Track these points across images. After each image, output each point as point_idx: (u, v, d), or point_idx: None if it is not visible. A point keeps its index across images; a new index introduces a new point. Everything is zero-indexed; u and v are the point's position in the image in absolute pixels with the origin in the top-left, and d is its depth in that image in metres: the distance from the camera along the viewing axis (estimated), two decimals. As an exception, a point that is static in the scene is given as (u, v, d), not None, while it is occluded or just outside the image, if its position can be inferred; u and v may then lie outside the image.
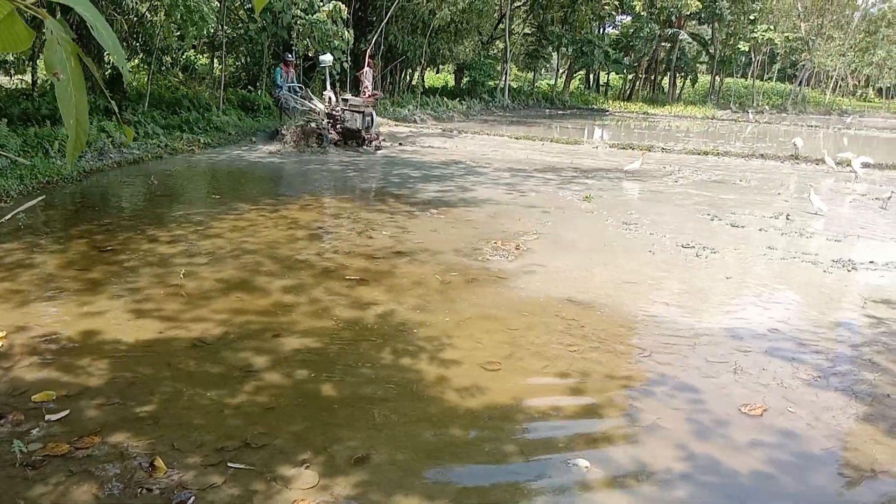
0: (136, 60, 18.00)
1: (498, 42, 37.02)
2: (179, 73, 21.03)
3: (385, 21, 22.43)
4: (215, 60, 20.71)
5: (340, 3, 18.13)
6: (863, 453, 3.56)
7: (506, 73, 33.62)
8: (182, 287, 5.44)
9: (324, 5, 18.06)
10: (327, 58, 16.18)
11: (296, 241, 7.05)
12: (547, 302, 5.55)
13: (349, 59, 20.10)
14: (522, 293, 5.74)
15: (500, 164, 13.76)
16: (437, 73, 40.35)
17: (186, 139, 13.87)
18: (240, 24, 20.37)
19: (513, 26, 35.53)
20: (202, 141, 14.06)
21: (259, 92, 19.38)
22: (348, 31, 19.13)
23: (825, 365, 4.62)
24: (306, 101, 15.67)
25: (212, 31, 16.81)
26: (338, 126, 14.76)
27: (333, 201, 9.29)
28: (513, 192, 10.65)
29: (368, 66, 21.99)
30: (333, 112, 14.76)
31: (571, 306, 5.48)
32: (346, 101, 15.05)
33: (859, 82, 61.11)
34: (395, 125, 21.24)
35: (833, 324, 5.47)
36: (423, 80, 30.18)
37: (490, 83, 33.09)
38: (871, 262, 7.33)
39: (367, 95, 21.82)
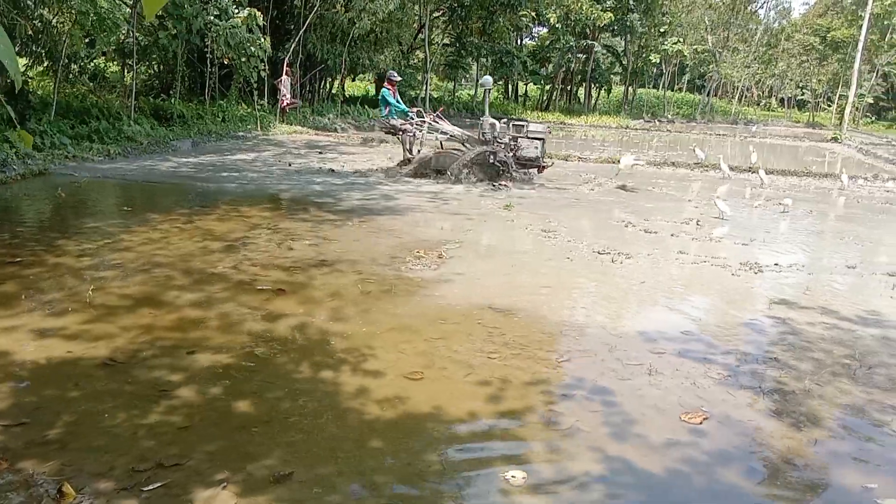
0: (41, 68, 17.22)
1: (418, 52, 37.18)
2: (88, 81, 20.22)
3: (303, 29, 22.22)
4: (126, 68, 20.02)
5: (256, 10, 17.85)
6: (771, 447, 3.71)
7: (426, 83, 33.77)
8: (91, 303, 5.21)
9: (239, 12, 17.73)
10: (488, 80, 15.08)
11: (211, 253, 6.86)
12: (468, 310, 5.58)
13: (267, 67, 19.81)
14: (444, 301, 5.76)
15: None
16: (354, 80, 40.22)
17: (96, 149, 13.34)
18: (151, 31, 19.79)
19: (432, 36, 35.77)
20: (112, 151, 13.54)
21: (173, 100, 18.84)
22: (265, 39, 18.84)
23: (734, 364, 4.81)
24: (445, 127, 13.42)
25: (122, 37, 16.27)
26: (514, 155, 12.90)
27: (252, 210, 9.10)
28: (436, 201, 10.69)
29: (286, 74, 21.74)
30: (499, 139, 12.78)
31: (492, 314, 5.52)
32: (519, 127, 13.12)
33: (763, 93, 64.24)
34: (316, 134, 21.02)
35: (741, 324, 5.70)
36: (343, 89, 30.00)
37: (411, 93, 33.16)
38: (776, 264, 7.70)
39: (284, 103, 21.62)
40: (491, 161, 12.64)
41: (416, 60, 38.22)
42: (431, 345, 4.82)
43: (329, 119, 23.61)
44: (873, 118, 54.72)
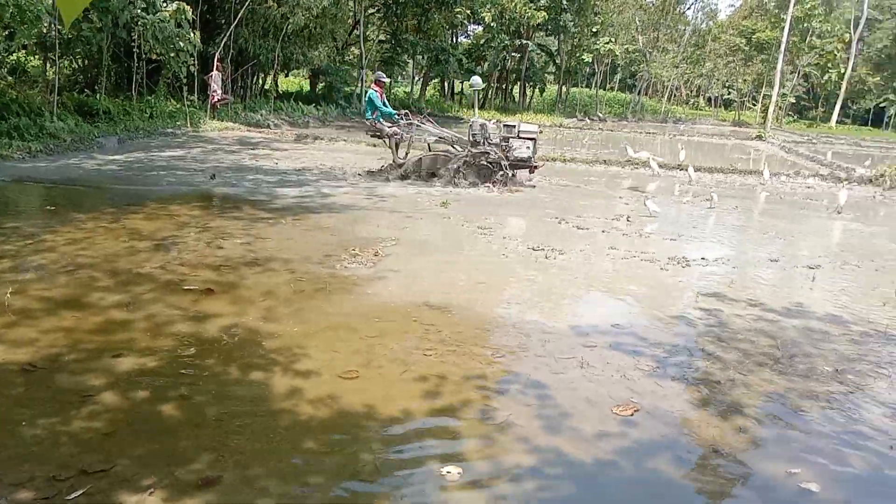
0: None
1: (353, 48, 36.91)
2: (7, 76, 19.32)
3: (234, 24, 21.77)
4: (48, 62, 19.22)
5: (185, 4, 17.39)
6: (698, 436, 3.82)
7: (362, 80, 33.54)
8: (9, 307, 4.99)
9: (167, 6, 17.24)
10: (477, 80, 14.61)
11: (138, 253, 6.65)
12: (404, 307, 5.57)
13: (196, 62, 19.33)
14: (379, 299, 5.73)
15: (359, 170, 13.69)
16: (287, 76, 39.69)
17: (16, 146, 12.77)
18: (75, 24, 19.03)
19: (368, 32, 35.53)
20: (34, 148, 12.99)
21: (98, 96, 18.18)
22: (195, 34, 18.38)
23: (663, 356, 4.93)
24: (433, 129, 13.26)
25: (44, 30, 15.61)
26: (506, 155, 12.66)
27: (182, 209, 8.86)
28: (372, 198, 10.63)
29: (217, 69, 21.26)
30: (489, 139, 12.62)
31: (429, 311, 5.52)
32: (510, 127, 12.99)
33: (691, 92, 66.12)
34: (248, 130, 20.62)
35: (670, 317, 5.85)
36: (276, 85, 29.55)
37: (347, 89, 32.91)
38: (703, 258, 7.94)
39: (215, 99, 21.15)
40: (482, 162, 12.48)
41: (351, 57, 37.94)
42: (367, 343, 4.78)
43: (262, 115, 23.21)
44: (795, 117, 57.02)
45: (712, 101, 64.00)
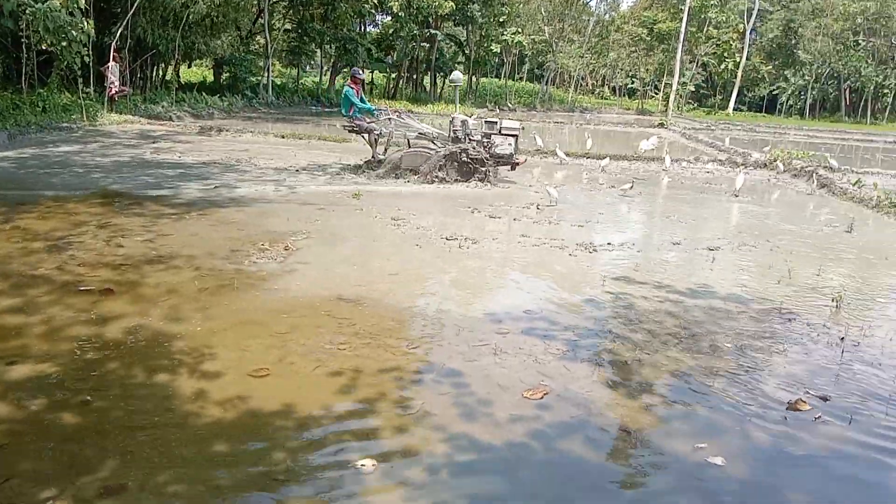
0: None
1: (258, 37, 36.04)
2: None
3: (131, 12, 20.84)
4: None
5: (77, -10, 16.51)
6: (608, 416, 3.92)
7: (268, 70, 32.80)
8: None
9: (57, -8, 16.31)
10: (458, 76, 14.09)
11: (32, 253, 6.28)
12: (317, 301, 5.48)
13: (91, 53, 18.40)
14: (291, 294, 5.62)
15: (266, 162, 13.38)
16: (190, 66, 38.42)
17: None
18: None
19: (273, 21, 34.74)
20: None
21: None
22: (88, 23, 17.47)
23: (573, 339, 5.04)
24: (413, 124, 13.27)
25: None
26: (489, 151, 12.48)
27: (79, 207, 8.42)
28: (281, 190, 10.41)
29: (114, 60, 20.34)
30: (470, 136, 12.46)
31: (342, 304, 5.46)
32: (491, 123, 12.86)
33: (597, 82, 67.82)
34: (149, 123, 19.82)
35: (579, 301, 5.98)
36: (178, 76, 28.51)
37: (252, 79, 32.12)
38: (609, 243, 8.16)
39: (113, 91, 20.23)
40: (463, 159, 12.29)
41: (256, 46, 37.05)
42: (278, 339, 4.68)
43: (163, 107, 22.33)
44: (695, 105, 59.30)
45: (617, 91, 65.82)
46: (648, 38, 53.02)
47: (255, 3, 31.32)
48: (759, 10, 56.14)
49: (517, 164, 12.97)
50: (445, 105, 41.28)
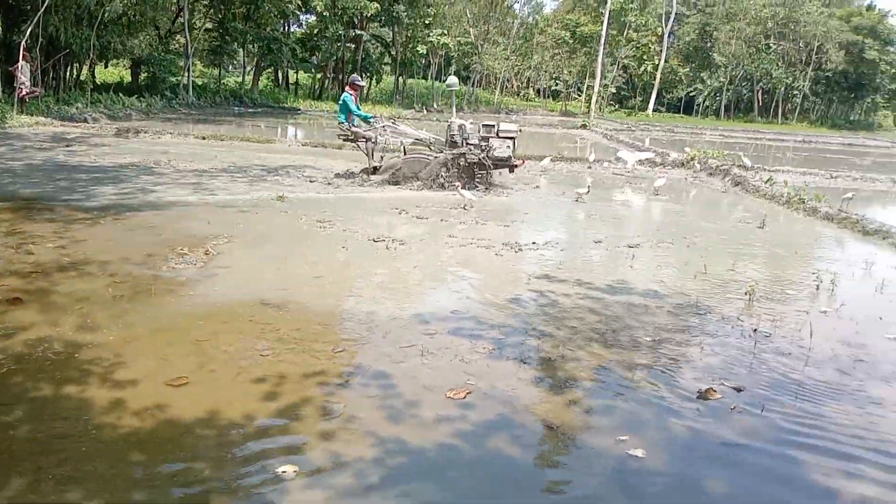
0: None
1: (178, 36, 35.06)
2: None
3: (42, 10, 19.95)
4: None
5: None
6: (533, 413, 3.96)
7: (188, 70, 31.96)
8: None
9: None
10: (454, 81, 13.66)
11: (-70, 263, 5.94)
12: (239, 307, 5.36)
13: (0, 52, 17.54)
14: (211, 300, 5.48)
15: (186, 165, 13.01)
16: (107, 66, 37.09)
17: None
18: None
19: (193, 21, 33.88)
20: None
21: None
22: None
23: (499, 338, 5.08)
24: (409, 131, 13.09)
25: None
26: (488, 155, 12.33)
27: (-17, 214, 8.01)
28: (201, 193, 10.15)
29: (24, 59, 19.43)
30: (468, 140, 12.31)
31: (265, 309, 5.35)
32: (489, 127, 12.66)
33: (522, 83, 68.68)
34: (62, 125, 19.01)
35: (505, 300, 6.04)
36: (93, 76, 27.46)
37: (172, 80, 31.23)
38: (534, 243, 8.27)
39: (23, 92, 19.33)
40: (462, 163, 12.12)
41: (176, 45, 36.06)
42: (198, 347, 4.55)
43: (77, 108, 21.45)
44: (616, 106, 60.78)
45: (541, 93, 66.82)
46: (571, 41, 54.05)
47: (175, 1, 30.47)
48: (676, 13, 58.02)
49: (516, 166, 12.94)
50: (373, 106, 41.10)
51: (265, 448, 3.40)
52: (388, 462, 3.35)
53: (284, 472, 3.19)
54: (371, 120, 12.93)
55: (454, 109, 14.80)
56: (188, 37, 31.28)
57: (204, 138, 18.39)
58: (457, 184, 11.26)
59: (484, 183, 12.27)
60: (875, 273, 7.79)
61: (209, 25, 36.00)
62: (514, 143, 12.85)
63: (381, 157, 13.05)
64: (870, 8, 64.61)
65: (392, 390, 4.13)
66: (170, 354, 4.40)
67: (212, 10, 34.67)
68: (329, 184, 11.94)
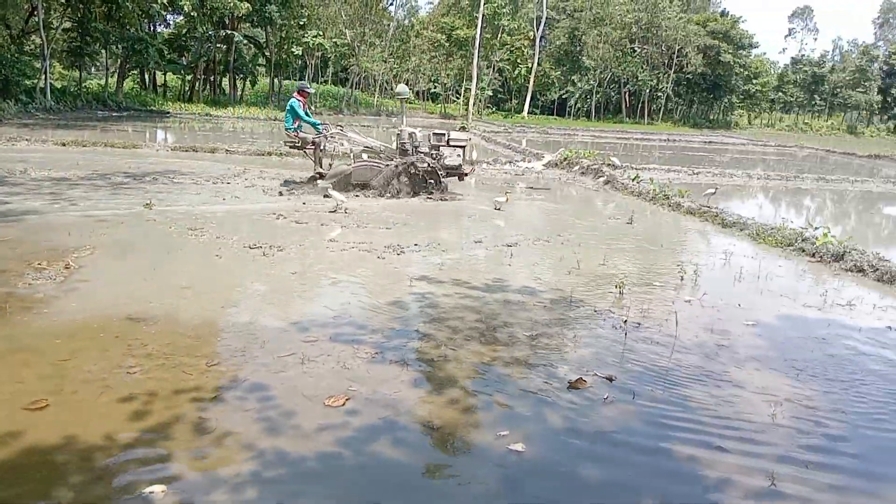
0: None
1: (34, 36, 32.78)
2: None
3: None
4: None
5: None
6: (415, 414, 3.97)
7: (45, 72, 29.95)
8: None
9: None
10: (404, 88, 13.29)
11: None
12: (103, 322, 5.06)
13: None
14: (72, 316, 5.14)
15: (44, 173, 12.19)
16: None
17: None
18: None
19: (50, 20, 31.79)
20: None
21: None
22: None
23: (381, 341, 5.06)
24: (358, 138, 12.96)
25: None
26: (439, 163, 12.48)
27: None
28: (60, 202, 9.53)
29: None
30: (418, 148, 12.42)
31: (132, 324, 5.08)
32: (440, 135, 12.78)
33: (401, 86, 68.96)
34: None
35: (387, 303, 6.02)
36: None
37: (27, 82, 29.17)
38: (416, 245, 8.30)
39: None
40: (413, 172, 12.06)
41: (31, 46, 33.70)
42: (58, 367, 4.26)
43: None
44: (493, 108, 62.19)
45: (421, 95, 67.35)
46: (447, 44, 54.80)
47: (27, -2, 28.52)
48: (546, 18, 60.03)
49: (465, 174, 13.12)
50: (247, 108, 40.03)
51: (132, 470, 3.22)
52: (266, 475, 3.26)
53: (152, 492, 3.04)
54: (320, 127, 12.72)
55: (404, 118, 14.95)
56: (44, 37, 29.32)
57: (64, 144, 17.30)
58: (328, 187, 11.26)
59: (437, 190, 12.43)
60: (734, 262, 8.34)
61: (67, 25, 33.88)
62: (465, 151, 13.16)
63: (330, 164, 12.96)
64: (723, 14, 69.51)
65: (270, 402, 4.02)
66: (26, 377, 4.09)
67: (69, 9, 32.64)
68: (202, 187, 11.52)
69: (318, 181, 12.06)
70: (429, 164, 12.38)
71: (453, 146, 12.83)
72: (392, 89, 65.61)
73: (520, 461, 3.56)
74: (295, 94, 12.88)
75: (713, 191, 12.96)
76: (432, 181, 12.44)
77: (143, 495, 3.03)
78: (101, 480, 3.13)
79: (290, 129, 12.59)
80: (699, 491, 3.40)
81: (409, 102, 62.26)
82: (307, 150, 12.90)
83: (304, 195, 11.59)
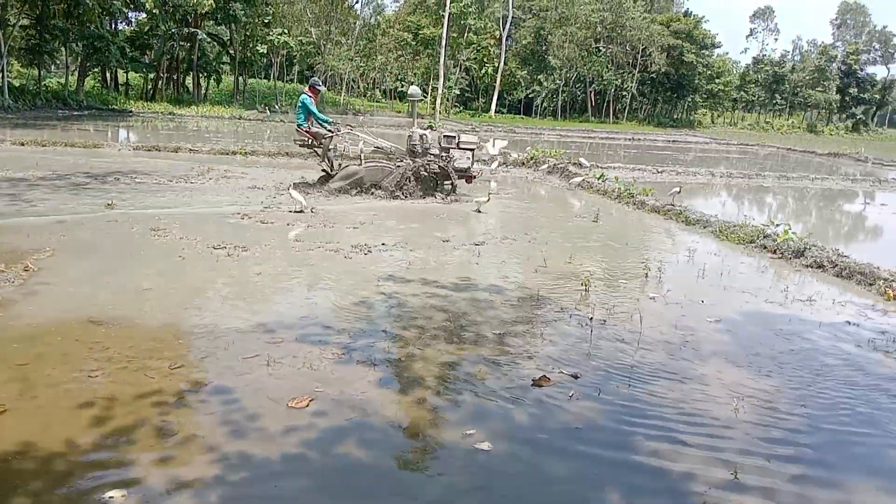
0: None
1: (-11, 33, 32.00)
2: None
3: None
4: None
5: None
6: (381, 415, 3.96)
7: (3, 70, 29.26)
8: None
9: None
10: (416, 91, 13.27)
11: None
12: (63, 326, 4.96)
13: None
14: (31, 320, 5.03)
15: (0, 173, 11.90)
16: None
17: None
18: None
19: (7, 16, 31.04)
20: None
21: None
22: None
23: (348, 342, 5.04)
24: (368, 138, 12.76)
25: None
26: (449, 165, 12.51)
27: None
28: (18, 204, 9.32)
29: None
30: (429, 150, 12.48)
31: (93, 327, 4.99)
32: (450, 138, 12.74)
33: (368, 85, 68.67)
34: None
35: (353, 303, 5.99)
36: None
37: (-17, 81, 28.49)
38: (383, 244, 8.28)
39: None
40: (423, 174, 12.19)
41: (-13, 44, 32.90)
42: (17, 373, 4.17)
43: None
44: (461, 108, 62.19)
45: (388, 94, 67.11)
46: (414, 43, 54.68)
47: (-19, -6, 27.83)
48: (513, 17, 60.24)
49: (473, 177, 13.08)
50: (212, 106, 39.56)
51: (91, 475, 3.17)
52: (230, 478, 3.22)
53: (111, 497, 2.99)
54: (330, 125, 12.54)
55: (415, 119, 14.96)
56: (0, 34, 28.62)
57: (23, 144, 16.93)
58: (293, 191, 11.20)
59: (450, 192, 12.49)
60: (697, 260, 8.47)
61: (25, 22, 33.13)
62: (474, 154, 13.11)
63: (340, 164, 12.77)
64: (686, 14, 70.43)
65: (235, 405, 3.97)
66: (-18, 383, 4.00)
67: (27, 6, 31.91)
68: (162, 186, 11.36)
69: (330, 183, 12.10)
70: (440, 167, 12.46)
71: (463, 149, 12.89)
72: (358, 87, 65.42)
73: (486, 460, 3.57)
74: (306, 89, 12.66)
75: (678, 189, 13.14)
76: (448, 183, 12.56)
77: (102, 500, 2.97)
78: (60, 486, 3.07)
79: (301, 125, 12.38)
80: (664, 484, 3.45)
81: (377, 102, 62.14)
82: (323, 142, 12.48)
83: (319, 196, 11.59)
